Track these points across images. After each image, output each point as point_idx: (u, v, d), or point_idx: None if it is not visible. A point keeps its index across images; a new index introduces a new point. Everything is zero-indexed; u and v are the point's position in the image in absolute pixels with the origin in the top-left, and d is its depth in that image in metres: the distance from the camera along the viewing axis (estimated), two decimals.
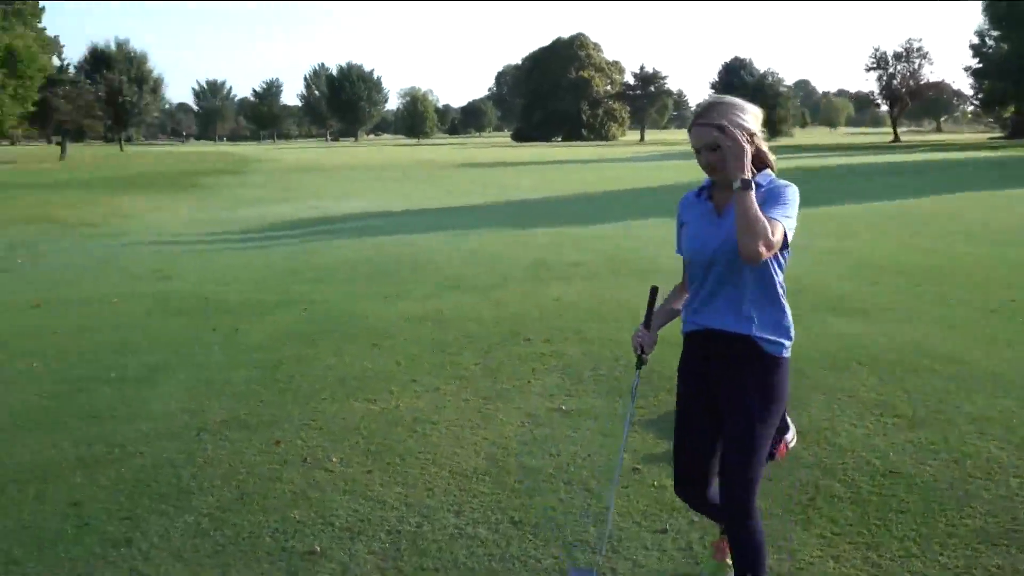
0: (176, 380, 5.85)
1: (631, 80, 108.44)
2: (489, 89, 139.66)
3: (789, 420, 4.57)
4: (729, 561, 2.93)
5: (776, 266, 2.55)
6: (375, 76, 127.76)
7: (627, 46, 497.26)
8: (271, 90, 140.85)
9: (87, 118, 58.11)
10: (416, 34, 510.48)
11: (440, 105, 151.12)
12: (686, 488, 2.85)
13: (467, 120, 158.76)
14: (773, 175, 2.59)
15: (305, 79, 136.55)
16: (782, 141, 77.99)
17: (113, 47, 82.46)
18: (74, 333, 7.30)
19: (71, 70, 66.38)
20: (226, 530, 3.63)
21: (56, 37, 61.58)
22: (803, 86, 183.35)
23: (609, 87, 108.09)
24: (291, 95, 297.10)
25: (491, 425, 4.85)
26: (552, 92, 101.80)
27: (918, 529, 3.49)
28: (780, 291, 2.58)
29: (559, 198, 21.59)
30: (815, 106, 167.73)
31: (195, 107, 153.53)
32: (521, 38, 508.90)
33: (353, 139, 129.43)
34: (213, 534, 3.59)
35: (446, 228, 14.83)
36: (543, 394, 5.39)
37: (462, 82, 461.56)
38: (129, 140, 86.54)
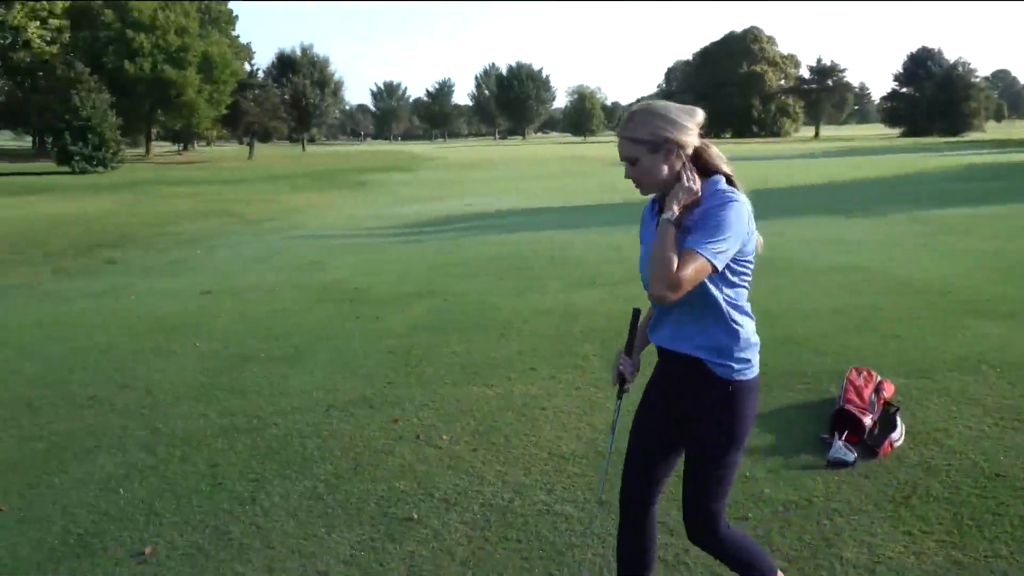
0: (316, 361, 6.34)
1: (806, 74, 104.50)
2: (658, 86, 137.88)
3: (899, 419, 4.50)
4: None
5: (720, 285, 2.32)
6: (543, 74, 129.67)
7: (803, 39, 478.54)
8: (443, 90, 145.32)
9: (273, 120, 61.98)
10: (585, 32, 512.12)
11: (608, 102, 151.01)
12: (625, 501, 2.67)
13: None
14: (722, 183, 2.35)
15: (476, 78, 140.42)
16: (970, 136, 72.99)
17: (299, 52, 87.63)
18: (234, 318, 8.01)
19: (259, 75, 70.80)
20: (337, 495, 3.98)
21: (248, 44, 66.09)
22: (1002, 77, 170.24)
23: (783, 81, 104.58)
24: (462, 95, 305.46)
25: (597, 413, 5.01)
26: (723, 87, 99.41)
27: (1012, 532, 3.38)
28: (728, 310, 2.34)
29: None
30: (1015, 97, 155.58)
31: (372, 108, 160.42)
32: (692, 33, 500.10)
33: (520, 137, 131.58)
34: (326, 498, 3.96)
35: (593, 225, 14.98)
36: None
37: (631, 79, 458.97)
38: (312, 140, 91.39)
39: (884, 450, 4.23)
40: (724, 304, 2.33)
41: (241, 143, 64.07)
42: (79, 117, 40.37)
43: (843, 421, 4.41)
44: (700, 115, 2.38)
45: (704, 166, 2.38)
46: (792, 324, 6.89)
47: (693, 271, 2.20)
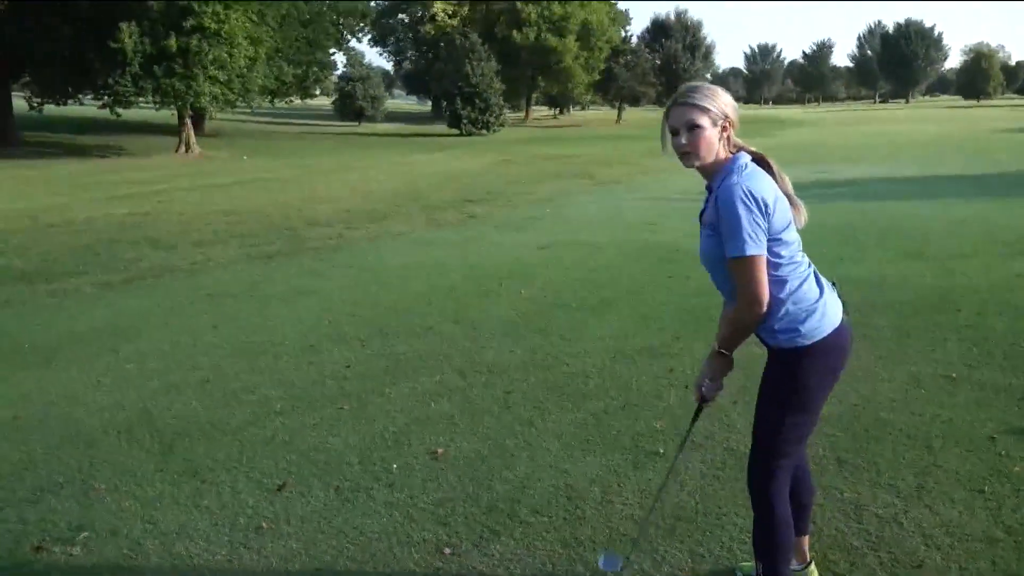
0: (618, 312, 6.91)
1: None
2: None
3: None
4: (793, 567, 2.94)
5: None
6: (935, 32, 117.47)
7: None
8: (821, 51, 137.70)
9: (642, 85, 63.42)
10: None
11: (1011, 61, 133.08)
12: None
13: None
14: (740, 161, 2.52)
15: (859, 38, 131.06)
16: None
17: (672, 17, 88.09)
18: (560, 270, 8.83)
19: (633, 40, 72.43)
20: (600, 427, 4.52)
21: (626, 11, 68.05)
22: None
23: None
24: (841, 56, 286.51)
25: (872, 382, 5.02)
26: None
27: None
28: (778, 288, 2.52)
29: None
30: None
31: (744, 71, 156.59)
32: None
33: (904, 101, 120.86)
34: (590, 428, 4.52)
35: (946, 196, 13.87)
36: (941, 360, 5.34)
37: None
38: None
39: None
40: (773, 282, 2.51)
41: (613, 107, 66.33)
42: (469, 84, 44.64)
43: None
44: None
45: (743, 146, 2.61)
46: None
47: (751, 275, 2.43)
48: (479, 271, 8.90)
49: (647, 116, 70.88)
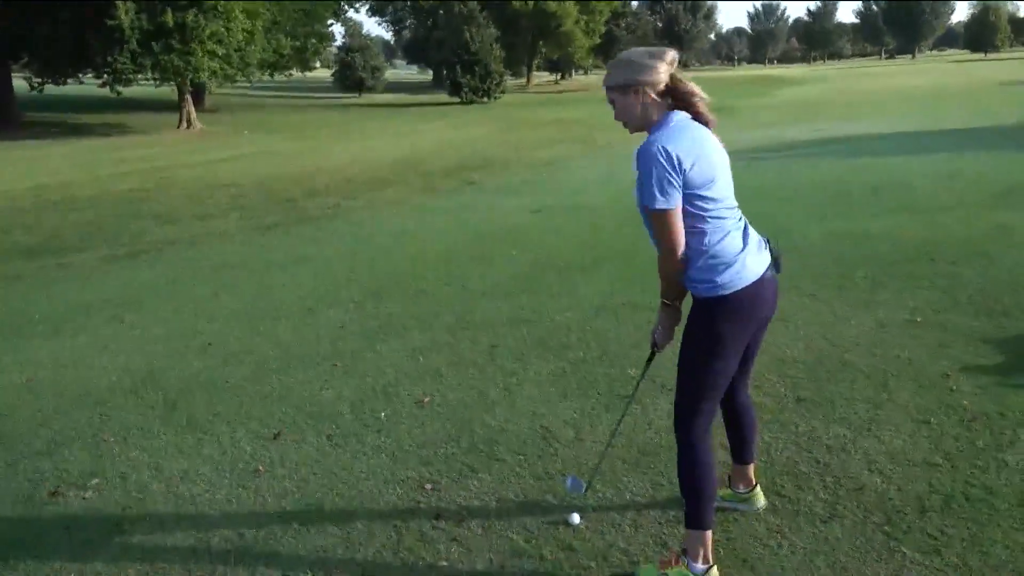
0: (607, 271, 7.15)
1: None
2: None
3: None
4: (739, 490, 3.26)
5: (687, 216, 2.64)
6: None
7: None
8: (826, 8, 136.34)
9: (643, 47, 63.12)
10: None
11: (1020, 14, 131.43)
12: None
13: None
14: (667, 120, 2.65)
15: None
16: None
17: None
18: (553, 232, 9.07)
19: (633, 3, 71.99)
20: (578, 374, 4.78)
21: None
22: None
23: None
24: (847, 13, 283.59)
25: (841, 327, 5.27)
26: None
27: None
28: (698, 239, 2.65)
29: None
30: None
31: (748, 30, 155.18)
32: None
33: (910, 56, 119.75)
34: (568, 375, 4.78)
35: (942, 150, 13.98)
36: (909, 307, 5.60)
37: None
38: (685, 66, 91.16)
39: None
40: (689, 233, 2.65)
41: None
42: (469, 51, 44.50)
43: None
44: (670, 55, 2.69)
45: (678, 97, 2.70)
46: None
47: (663, 226, 2.60)
48: (473, 235, 9.14)
49: None
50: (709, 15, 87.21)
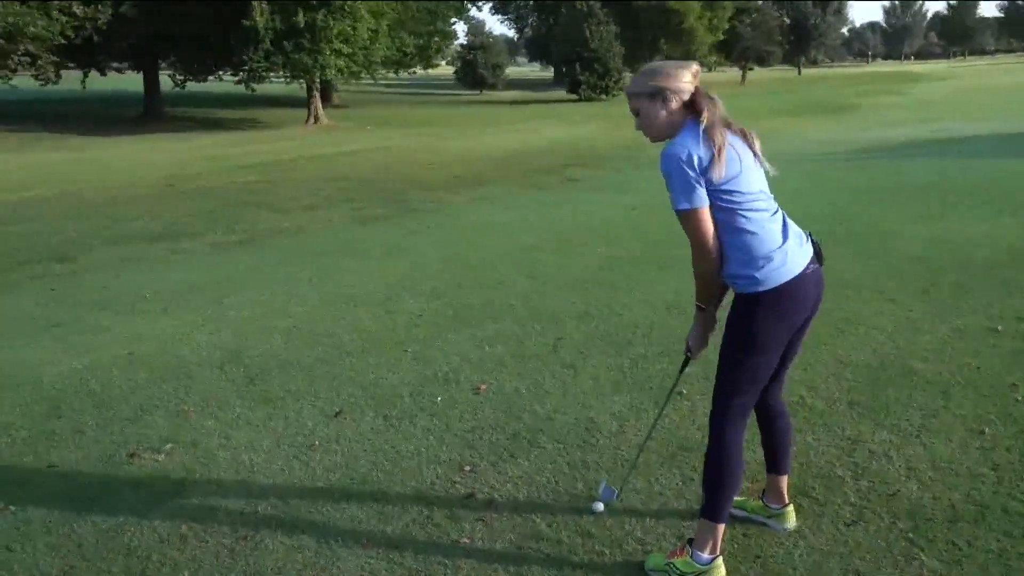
0: (685, 269, 7.12)
1: None
2: None
3: None
4: (771, 506, 3.19)
5: (716, 216, 2.69)
6: None
7: None
8: (967, 1, 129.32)
9: (768, 44, 61.50)
10: None
11: None
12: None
13: None
14: (686, 132, 2.68)
15: None
16: None
17: None
18: (643, 230, 9.09)
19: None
20: (635, 371, 4.86)
21: None
22: None
23: None
24: (991, 6, 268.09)
25: (913, 333, 5.15)
26: None
27: None
28: (733, 236, 2.69)
29: None
30: None
31: (884, 25, 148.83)
32: None
33: None
34: (625, 371, 4.86)
35: None
36: (991, 314, 5.42)
37: None
38: (813, 62, 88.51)
39: None
40: (727, 231, 2.70)
41: (741, 68, 64.63)
42: (588, 49, 44.55)
43: None
44: (694, 67, 2.76)
45: (699, 109, 2.70)
46: None
47: (692, 227, 2.67)
48: (563, 231, 9.26)
49: (774, 76, 68.75)
50: (840, 9, 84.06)
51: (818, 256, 2.85)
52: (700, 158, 2.62)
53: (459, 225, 10.14)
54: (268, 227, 10.59)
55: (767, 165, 2.83)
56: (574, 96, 44.75)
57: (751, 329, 2.74)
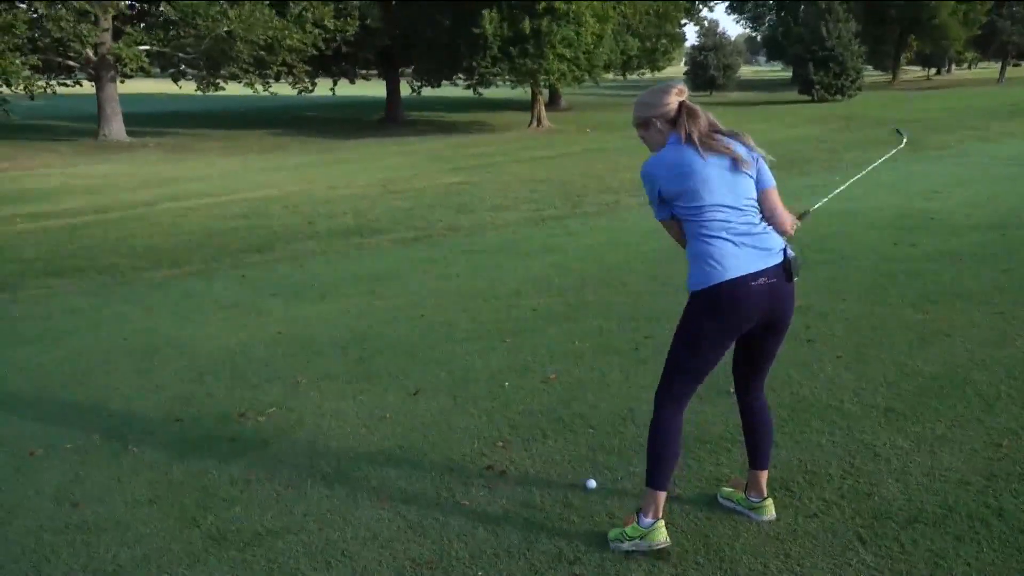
0: (812, 275, 7.09)
1: None
2: None
3: None
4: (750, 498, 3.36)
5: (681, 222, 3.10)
6: None
7: None
8: None
9: None
10: None
11: None
12: None
13: None
14: (666, 150, 3.06)
15: None
16: None
17: None
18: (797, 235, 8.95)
19: None
20: None
21: None
22: None
23: None
24: None
25: (1000, 348, 4.98)
26: None
27: None
28: (692, 239, 3.06)
29: None
30: None
31: None
32: None
33: None
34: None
35: None
36: None
37: None
38: None
39: None
40: (690, 236, 3.08)
41: (1003, 64, 58.94)
42: (824, 47, 42.63)
43: None
44: (676, 87, 3.11)
45: (679, 123, 3.07)
46: None
47: (667, 231, 3.25)
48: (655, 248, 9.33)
49: None
50: None
51: (785, 272, 3.04)
52: (655, 176, 3.06)
53: (617, 227, 10.52)
54: (445, 226, 11.45)
55: (769, 157, 3.18)
56: (806, 97, 42.97)
57: (686, 325, 3.09)
